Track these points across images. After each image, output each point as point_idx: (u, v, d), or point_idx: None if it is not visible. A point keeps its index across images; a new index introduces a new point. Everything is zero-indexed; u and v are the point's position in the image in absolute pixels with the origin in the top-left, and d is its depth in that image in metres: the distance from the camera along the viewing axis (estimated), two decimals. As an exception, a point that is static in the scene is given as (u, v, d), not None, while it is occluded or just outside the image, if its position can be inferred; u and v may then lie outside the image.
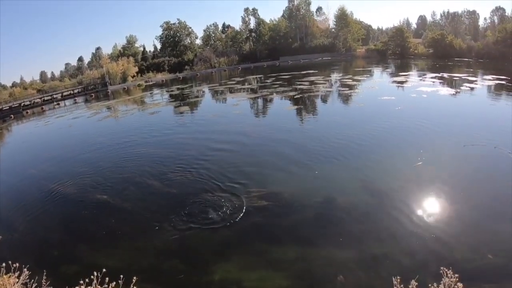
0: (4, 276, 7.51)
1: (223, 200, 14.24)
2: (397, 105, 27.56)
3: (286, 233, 11.64)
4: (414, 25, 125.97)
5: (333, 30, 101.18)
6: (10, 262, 7.18)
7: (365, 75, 52.84)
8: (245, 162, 18.61)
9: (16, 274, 7.39)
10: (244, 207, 13.37)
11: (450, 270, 5.65)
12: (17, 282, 7.44)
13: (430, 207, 11.96)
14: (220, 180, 16.27)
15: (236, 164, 18.35)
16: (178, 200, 14.98)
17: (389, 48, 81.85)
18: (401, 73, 49.80)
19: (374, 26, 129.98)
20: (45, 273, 7.21)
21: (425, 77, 44.01)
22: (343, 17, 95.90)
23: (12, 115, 67.71)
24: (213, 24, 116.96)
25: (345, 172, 15.65)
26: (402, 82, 40.20)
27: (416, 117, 23.03)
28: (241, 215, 12.85)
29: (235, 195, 14.56)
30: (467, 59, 62.13)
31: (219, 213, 13.22)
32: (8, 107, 75.02)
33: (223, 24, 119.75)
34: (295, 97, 37.25)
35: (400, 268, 8.76)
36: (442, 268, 5.81)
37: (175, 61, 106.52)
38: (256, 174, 16.75)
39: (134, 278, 6.33)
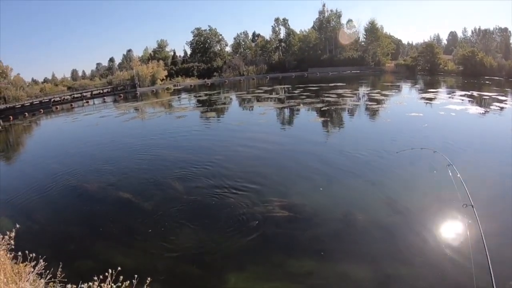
0: (21, 265, 7.75)
1: (243, 207, 14.32)
2: (424, 122, 27.18)
3: (304, 246, 11.58)
4: (444, 41, 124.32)
5: (362, 43, 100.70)
6: (27, 252, 7.40)
7: (394, 90, 52.44)
8: (268, 171, 18.63)
9: (32, 263, 7.54)
10: (264, 216, 13.41)
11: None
12: (32, 271, 7.56)
13: (453, 230, 11.48)
14: (242, 187, 16.36)
15: (259, 173, 18.37)
16: (199, 205, 15.10)
17: (418, 63, 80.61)
18: (430, 90, 49.03)
19: (404, 41, 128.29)
20: (60, 266, 7.46)
21: (454, 95, 43.43)
22: (373, 30, 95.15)
23: (41, 110, 69.19)
24: (243, 32, 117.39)
25: (368, 188, 15.44)
26: (430, 99, 39.74)
27: (442, 136, 22.63)
28: (261, 224, 12.88)
29: (256, 203, 14.64)
30: (497, 78, 60.97)
31: (239, 220, 13.29)
32: (38, 102, 76.72)
33: (253, 33, 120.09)
34: (322, 109, 37.14)
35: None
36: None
37: (204, 67, 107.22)
38: (279, 184, 16.75)
39: (148, 279, 6.41)
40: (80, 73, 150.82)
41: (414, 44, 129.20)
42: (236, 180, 17.31)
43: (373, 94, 46.98)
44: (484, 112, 32.00)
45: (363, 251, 10.94)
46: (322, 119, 32.56)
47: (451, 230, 11.47)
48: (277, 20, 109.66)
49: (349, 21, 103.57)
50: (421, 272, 9.68)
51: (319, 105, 39.50)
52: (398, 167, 18.13)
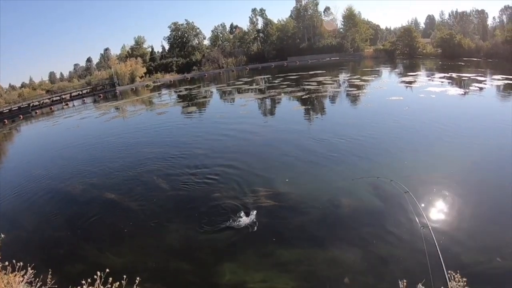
0: (10, 275, 7.59)
1: (230, 199, 14.36)
2: (405, 106, 27.41)
3: (292, 234, 11.59)
4: (422, 25, 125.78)
5: (341, 30, 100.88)
6: (14, 261, 7.29)
7: (373, 75, 52.69)
8: (252, 162, 18.66)
9: (22, 272, 7.46)
10: (251, 207, 13.35)
11: (457, 274, 5.59)
12: (22, 280, 7.51)
13: (439, 210, 11.74)
14: (227, 179, 16.43)
15: (244, 164, 18.41)
16: (184, 201, 15.10)
17: (397, 48, 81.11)
18: (409, 73, 49.52)
19: (382, 26, 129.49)
20: (50, 272, 7.26)
21: (433, 77, 43.73)
22: (351, 17, 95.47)
23: (21, 116, 68.51)
24: (221, 24, 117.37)
25: (352, 174, 15.31)
26: (410, 82, 39.98)
27: (424, 118, 22.92)
28: (248, 214, 12.78)
29: (242, 194, 14.69)
30: (476, 59, 61.60)
31: (226, 212, 13.28)
32: (17, 108, 75.90)
33: (231, 25, 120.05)
34: (303, 97, 37.23)
35: (407, 272, 8.63)
36: (449, 272, 5.72)
37: (183, 61, 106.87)
38: (264, 173, 16.74)
39: (138, 278, 6.32)
40: (58, 75, 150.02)
41: (392, 29, 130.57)
42: (220, 173, 17.41)
43: (353, 80, 47.18)
44: (463, 93, 32.28)
45: (351, 235, 11.06)
46: (304, 107, 32.67)
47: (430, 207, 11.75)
48: (254, 10, 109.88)
49: (327, 8, 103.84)
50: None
51: (299, 94, 39.60)
52: (380, 149, 18.32)
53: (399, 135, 20.36)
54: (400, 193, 10.36)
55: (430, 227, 7.53)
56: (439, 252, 6.53)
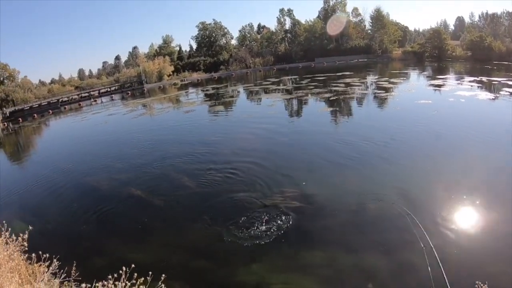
0: (35, 265, 7.92)
1: (255, 199, 14.37)
2: (433, 109, 26.89)
3: (316, 237, 11.57)
4: (451, 27, 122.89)
5: (369, 31, 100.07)
6: (40, 252, 7.50)
7: (402, 78, 52.08)
8: (279, 162, 18.68)
9: (47, 263, 7.65)
10: (276, 207, 13.37)
11: (485, 285, 5.56)
12: (47, 271, 7.70)
13: (467, 219, 11.34)
14: (253, 179, 16.43)
15: (270, 164, 18.45)
16: (210, 199, 15.15)
17: (426, 50, 79.42)
18: (438, 76, 48.54)
19: (411, 28, 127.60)
20: (74, 264, 7.59)
21: (463, 81, 42.86)
22: (379, 18, 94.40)
23: (50, 111, 70.28)
24: (248, 24, 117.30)
25: (378, 178, 15.25)
26: (439, 86, 39.34)
27: (453, 123, 22.62)
28: (272, 215, 12.78)
29: (268, 194, 14.66)
30: (506, 62, 59.97)
31: (250, 212, 13.27)
32: (46, 103, 77.86)
33: (259, 25, 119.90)
34: (330, 99, 37.03)
35: (432, 281, 8.41)
36: (477, 282, 5.73)
37: (211, 61, 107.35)
38: (290, 174, 16.67)
39: (163, 275, 6.43)
40: (87, 72, 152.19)
41: (421, 30, 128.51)
42: (247, 172, 17.42)
43: (381, 82, 46.81)
44: (493, 97, 31.43)
45: (376, 241, 10.79)
46: (331, 109, 32.46)
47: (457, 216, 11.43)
48: (282, 10, 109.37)
49: (355, 9, 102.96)
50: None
51: (327, 95, 39.44)
52: (408, 154, 18.05)
53: (426, 141, 19.92)
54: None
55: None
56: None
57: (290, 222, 12.31)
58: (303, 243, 11.22)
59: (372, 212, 12.51)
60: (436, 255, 6.57)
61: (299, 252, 10.74)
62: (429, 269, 7.82)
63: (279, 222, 12.40)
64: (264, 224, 12.33)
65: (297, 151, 20.69)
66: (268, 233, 11.83)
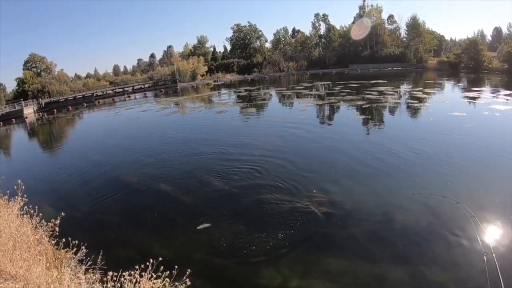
0: (62, 251, 8.45)
1: (282, 202, 14.35)
2: (467, 122, 26.53)
3: (341, 245, 11.52)
4: (489, 38, 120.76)
5: (404, 39, 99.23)
6: (69, 238, 8.02)
7: (436, 88, 51.31)
8: (308, 168, 18.69)
9: (74, 250, 8.11)
10: (303, 212, 13.41)
11: None
12: (74, 258, 8.22)
13: (506, 238, 10.62)
14: (281, 183, 16.42)
15: (299, 169, 18.50)
16: (236, 199, 15.34)
17: (461, 61, 77.87)
18: (473, 88, 47.81)
19: (447, 37, 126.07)
20: (101, 253, 7.99)
21: (498, 94, 41.90)
22: (415, 26, 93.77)
23: (84, 104, 72.67)
24: (283, 28, 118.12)
25: (408, 189, 14.73)
26: (474, 98, 38.71)
27: (487, 137, 22.09)
28: (299, 220, 12.84)
29: (295, 199, 14.60)
30: (545, 76, 58.36)
31: (277, 215, 13.34)
32: (81, 96, 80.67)
33: (293, 29, 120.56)
34: (363, 106, 36.92)
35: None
36: None
37: (244, 63, 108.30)
38: (319, 180, 16.64)
39: (188, 270, 6.74)
40: (121, 69, 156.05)
41: (457, 40, 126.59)
42: (275, 176, 17.46)
43: (415, 92, 46.36)
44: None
45: (401, 253, 10.68)
46: (363, 116, 32.34)
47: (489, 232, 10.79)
48: (317, 15, 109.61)
49: (390, 16, 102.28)
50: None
51: (359, 103, 39.30)
52: (440, 171, 17.21)
53: (461, 153, 19.43)
54: (460, 215, 9.82)
55: (494, 256, 6.64)
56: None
57: (316, 227, 12.37)
58: (328, 249, 11.20)
59: (399, 224, 12.32)
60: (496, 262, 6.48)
61: (323, 258, 10.73)
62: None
63: (304, 226, 12.46)
64: (289, 227, 12.44)
65: (328, 157, 20.71)
66: (293, 236, 11.90)
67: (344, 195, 14.85)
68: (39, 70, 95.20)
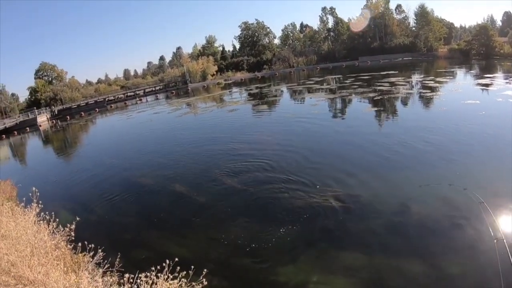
0: (79, 255, 8.59)
1: (297, 198, 14.37)
2: (481, 110, 26.15)
3: (357, 239, 11.37)
4: (499, 23, 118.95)
5: (413, 28, 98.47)
6: (86, 242, 8.14)
7: (448, 77, 50.77)
8: (322, 162, 18.81)
9: (91, 254, 8.23)
10: (318, 207, 13.42)
11: None
12: (91, 261, 8.32)
13: None
14: (296, 179, 16.44)
15: (314, 163, 18.60)
16: (252, 197, 15.38)
17: (472, 47, 76.86)
18: (485, 75, 47.12)
19: (457, 24, 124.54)
20: (118, 256, 8.12)
21: (511, 80, 41.36)
22: (423, 14, 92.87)
23: (97, 109, 74.09)
24: (291, 24, 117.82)
25: (422, 180, 14.63)
26: (487, 85, 38.21)
27: (501, 124, 21.57)
28: (314, 215, 12.83)
29: (310, 194, 14.56)
30: (558, 59, 57.55)
31: (292, 212, 13.32)
32: (93, 101, 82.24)
33: (301, 24, 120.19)
34: (375, 98, 36.81)
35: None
36: None
37: (254, 60, 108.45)
38: (333, 174, 16.57)
39: (205, 270, 6.83)
40: (132, 72, 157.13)
41: (467, 27, 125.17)
42: (290, 172, 17.47)
43: (426, 82, 46.01)
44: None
45: (419, 246, 10.57)
46: (375, 108, 32.26)
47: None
48: (324, 9, 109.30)
49: (398, 6, 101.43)
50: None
51: (371, 95, 39.17)
52: (454, 155, 17.29)
53: (474, 142, 19.11)
54: (473, 203, 9.58)
55: (505, 241, 6.90)
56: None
57: (332, 221, 12.39)
58: (345, 244, 11.19)
59: (415, 216, 12.19)
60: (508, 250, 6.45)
61: (341, 252, 10.71)
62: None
63: (321, 220, 12.51)
64: (305, 222, 12.49)
65: (341, 150, 20.72)
66: (310, 231, 11.97)
67: (360, 188, 14.83)
68: (50, 78, 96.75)
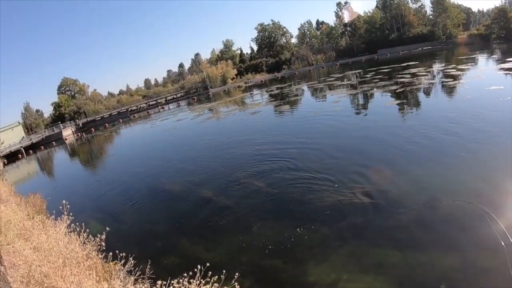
0: (111, 263, 8.70)
1: (325, 197, 14.20)
2: (506, 96, 25.27)
3: (388, 235, 11.14)
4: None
5: (430, 17, 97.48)
6: (117, 251, 8.28)
7: (470, 64, 49.87)
8: (348, 158, 18.69)
9: (122, 262, 8.35)
10: (347, 204, 13.25)
11: None
12: (122, 269, 8.45)
13: None
14: (322, 177, 16.29)
15: (339, 160, 18.55)
16: (280, 197, 15.28)
17: (492, 31, 76.31)
18: (508, 59, 46.16)
19: (474, 9, 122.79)
20: (149, 263, 8.15)
21: None
22: (440, 1, 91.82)
23: (120, 119, 75.44)
24: (307, 21, 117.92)
25: (454, 174, 14.39)
26: (510, 69, 37.58)
27: None
28: (343, 213, 12.74)
29: (338, 191, 14.46)
30: None
31: (320, 210, 13.12)
32: (116, 112, 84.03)
33: (317, 21, 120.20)
34: (397, 91, 36.46)
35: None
36: None
37: (272, 61, 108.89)
38: (361, 170, 16.38)
39: (237, 274, 6.79)
40: (152, 82, 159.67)
41: (485, 10, 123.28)
42: (315, 170, 17.39)
43: (448, 70, 45.44)
44: None
45: (451, 240, 10.26)
46: (398, 101, 31.91)
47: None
48: (339, 4, 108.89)
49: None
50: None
51: (393, 87, 38.90)
52: (485, 150, 16.50)
53: (500, 130, 18.29)
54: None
55: None
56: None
57: (362, 218, 12.25)
58: (374, 242, 10.95)
59: (446, 210, 11.72)
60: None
61: (371, 251, 10.50)
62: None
63: (350, 217, 12.37)
64: (334, 220, 12.37)
65: (366, 146, 20.44)
66: (339, 229, 11.86)
67: (387, 183, 14.66)
68: (73, 93, 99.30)
